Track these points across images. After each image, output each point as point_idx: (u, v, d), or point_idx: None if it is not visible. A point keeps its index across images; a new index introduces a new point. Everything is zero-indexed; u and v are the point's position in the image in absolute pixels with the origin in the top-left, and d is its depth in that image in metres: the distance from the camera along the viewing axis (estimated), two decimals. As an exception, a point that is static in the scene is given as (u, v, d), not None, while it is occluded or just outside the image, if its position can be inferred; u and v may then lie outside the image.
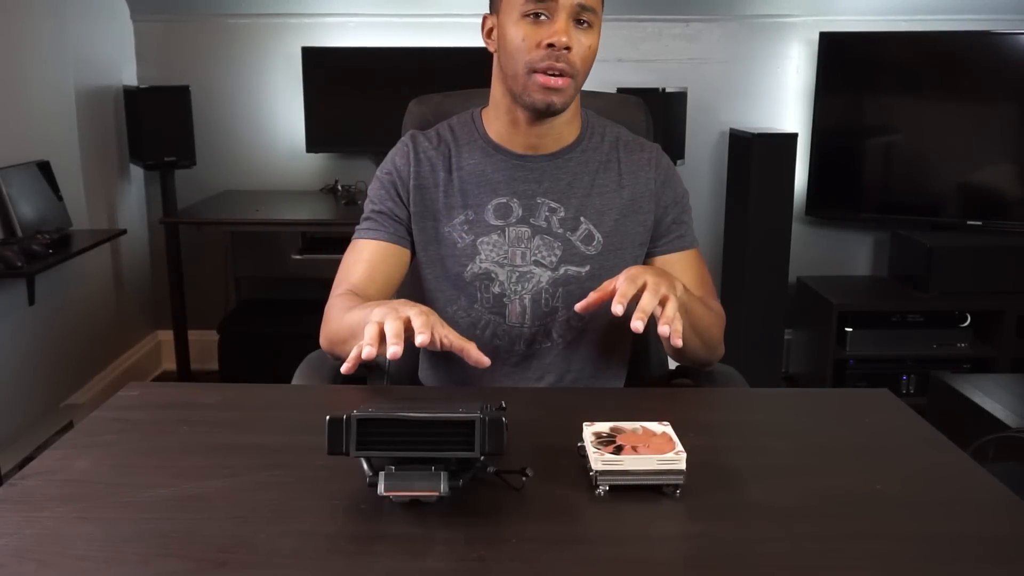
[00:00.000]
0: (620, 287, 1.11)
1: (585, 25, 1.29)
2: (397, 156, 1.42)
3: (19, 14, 2.60)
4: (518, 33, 1.28)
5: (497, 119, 1.39)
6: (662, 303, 1.11)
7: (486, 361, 1.11)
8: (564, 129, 1.38)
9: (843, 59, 3.18)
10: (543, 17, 1.27)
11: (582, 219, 1.37)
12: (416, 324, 1.04)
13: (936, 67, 3.19)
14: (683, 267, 1.40)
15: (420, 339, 1.03)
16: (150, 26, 3.30)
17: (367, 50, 3.20)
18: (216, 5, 3.25)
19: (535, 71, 1.28)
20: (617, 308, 1.08)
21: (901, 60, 3.19)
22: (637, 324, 1.07)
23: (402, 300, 1.15)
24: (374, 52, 3.18)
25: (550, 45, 1.26)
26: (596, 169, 1.40)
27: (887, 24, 3.21)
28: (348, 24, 3.28)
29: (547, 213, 1.37)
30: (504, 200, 1.37)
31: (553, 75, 1.28)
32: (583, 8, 1.27)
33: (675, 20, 3.28)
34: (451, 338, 1.09)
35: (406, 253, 1.39)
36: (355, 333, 1.14)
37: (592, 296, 1.16)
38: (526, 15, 1.28)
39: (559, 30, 1.26)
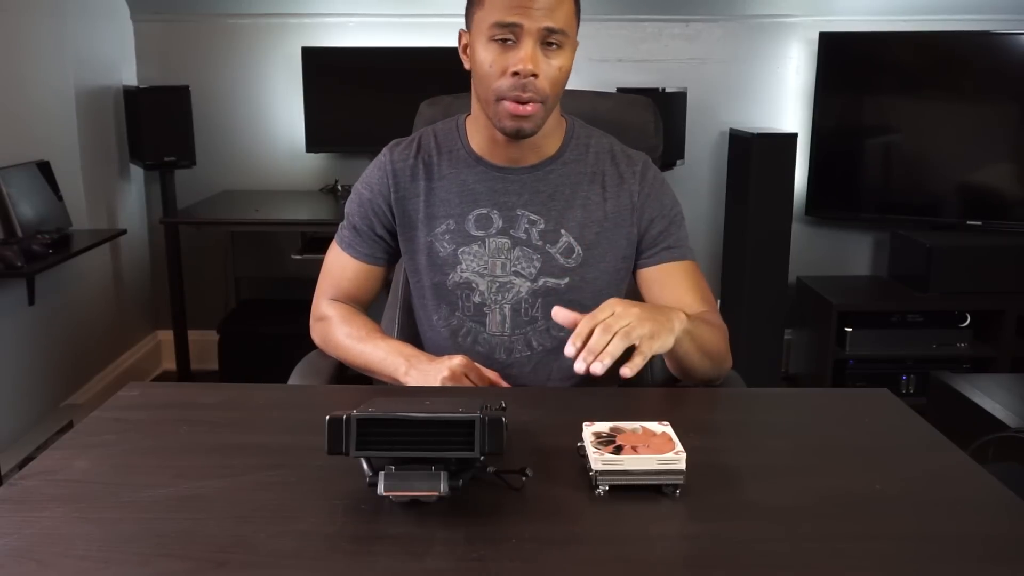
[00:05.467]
0: (580, 325, 1.09)
1: (554, 47, 1.26)
2: (376, 172, 1.43)
3: (19, 14, 2.60)
4: (486, 57, 1.26)
5: (478, 132, 1.39)
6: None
7: (504, 384, 1.29)
8: (544, 142, 1.37)
9: (843, 59, 3.18)
10: (510, 41, 1.25)
11: (563, 231, 1.37)
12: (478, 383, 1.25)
13: (936, 67, 3.19)
14: (679, 279, 1.37)
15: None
16: (150, 26, 3.30)
17: (367, 50, 3.19)
18: (216, 5, 3.25)
19: (503, 98, 1.27)
20: (579, 365, 1.06)
21: (901, 60, 3.19)
22: (579, 365, 1.06)
23: (435, 366, 1.27)
24: (374, 52, 3.18)
25: (515, 73, 1.24)
26: (579, 181, 1.39)
27: (887, 24, 3.21)
28: (348, 24, 3.28)
29: (527, 225, 1.37)
30: (485, 211, 1.38)
31: (521, 103, 1.26)
32: (551, 31, 1.24)
33: (675, 20, 3.28)
34: (481, 377, 1.27)
35: (383, 271, 1.48)
36: (372, 371, 1.35)
37: (572, 315, 1.14)
38: (493, 39, 1.25)
39: (524, 57, 1.23)
